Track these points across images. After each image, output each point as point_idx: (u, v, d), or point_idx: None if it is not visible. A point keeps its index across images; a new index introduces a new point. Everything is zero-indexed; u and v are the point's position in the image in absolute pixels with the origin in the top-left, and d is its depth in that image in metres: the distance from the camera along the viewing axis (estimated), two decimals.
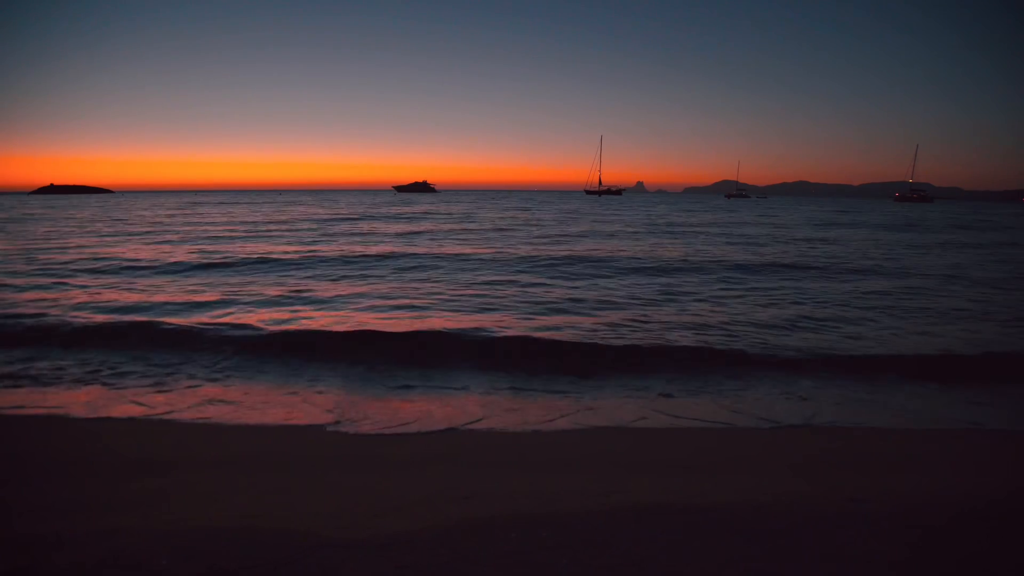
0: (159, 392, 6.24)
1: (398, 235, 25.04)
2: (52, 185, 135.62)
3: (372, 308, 10.23)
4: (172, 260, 16.42)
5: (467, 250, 19.14)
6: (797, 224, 35.89)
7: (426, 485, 3.87)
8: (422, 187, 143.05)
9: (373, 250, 18.88)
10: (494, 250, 19.07)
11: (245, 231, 26.76)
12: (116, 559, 2.72)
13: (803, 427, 5.42)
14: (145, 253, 18.33)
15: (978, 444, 4.99)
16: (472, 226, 30.07)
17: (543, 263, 16.09)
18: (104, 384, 6.49)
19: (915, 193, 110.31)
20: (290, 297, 11.30)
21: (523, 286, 12.54)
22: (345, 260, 16.63)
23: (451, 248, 19.90)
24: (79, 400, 5.99)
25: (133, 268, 15.09)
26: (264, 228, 28.51)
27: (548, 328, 8.69)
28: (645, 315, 9.85)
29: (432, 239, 23.23)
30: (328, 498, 3.64)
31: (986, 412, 5.86)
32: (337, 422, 5.41)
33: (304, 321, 9.13)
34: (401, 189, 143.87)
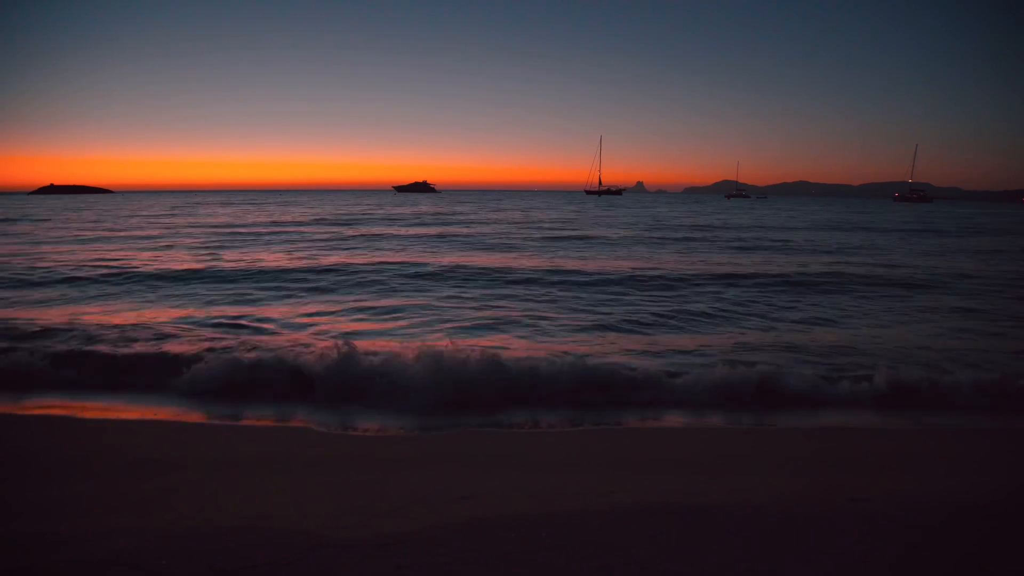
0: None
1: (416, 240, 23.72)
2: (52, 185, 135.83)
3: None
4: (178, 267, 15.84)
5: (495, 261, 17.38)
6: (809, 227, 34.43)
7: (426, 485, 3.86)
8: (422, 187, 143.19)
9: (395, 259, 17.54)
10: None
11: (252, 235, 25.34)
12: (116, 559, 2.72)
13: (803, 427, 5.42)
14: (150, 260, 17.77)
15: (977, 444, 4.99)
16: (486, 230, 28.82)
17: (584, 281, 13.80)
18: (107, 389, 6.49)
19: (915, 193, 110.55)
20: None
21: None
22: (355, 271, 15.14)
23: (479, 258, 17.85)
24: (80, 402, 5.99)
25: (135, 275, 14.88)
26: (272, 233, 26.80)
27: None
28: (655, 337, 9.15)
29: (451, 246, 21.70)
30: (328, 498, 3.64)
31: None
32: (337, 422, 5.41)
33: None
34: (401, 189, 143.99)
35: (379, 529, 3.07)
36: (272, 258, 17.74)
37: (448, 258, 17.86)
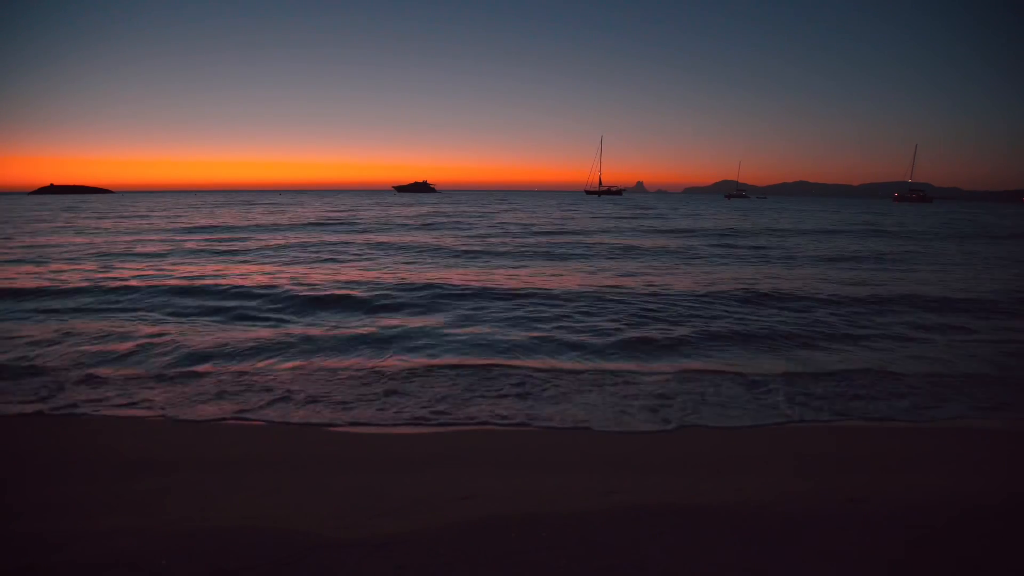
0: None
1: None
2: (52, 185, 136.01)
3: None
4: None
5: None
6: (837, 230, 31.20)
7: (426, 485, 3.87)
8: (422, 187, 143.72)
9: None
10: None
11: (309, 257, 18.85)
12: (116, 559, 2.72)
13: (803, 427, 5.42)
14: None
15: (977, 444, 4.99)
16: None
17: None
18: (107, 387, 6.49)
19: (914, 193, 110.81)
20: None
21: None
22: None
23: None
24: (80, 401, 5.99)
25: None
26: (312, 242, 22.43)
27: None
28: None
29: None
30: (328, 498, 3.65)
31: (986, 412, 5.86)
32: (337, 422, 5.41)
33: None
34: (401, 189, 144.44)
35: (379, 529, 3.07)
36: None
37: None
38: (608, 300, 11.07)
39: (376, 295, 11.43)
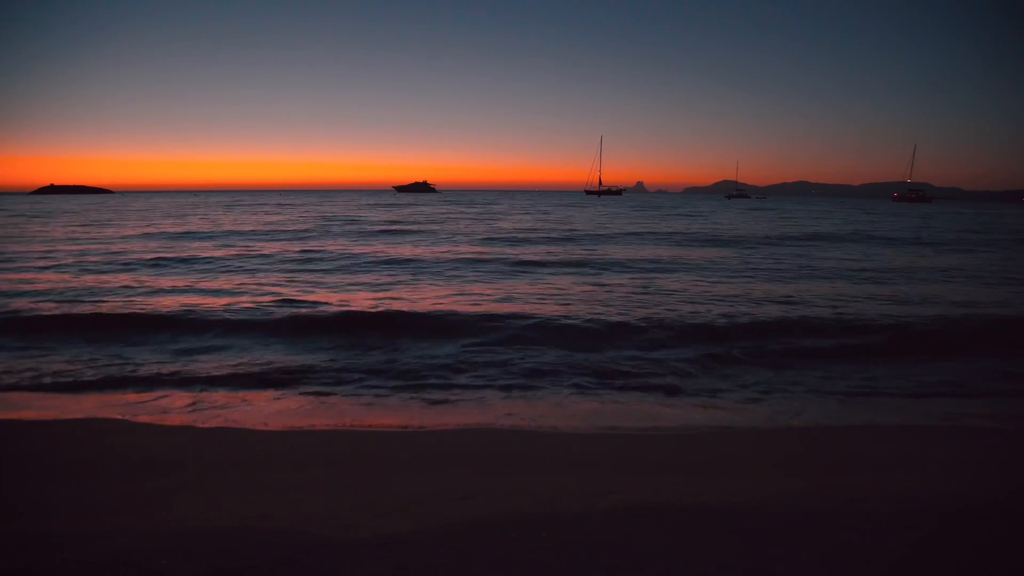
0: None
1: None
2: (52, 185, 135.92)
3: None
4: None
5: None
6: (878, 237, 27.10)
7: (426, 485, 3.86)
8: (422, 187, 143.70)
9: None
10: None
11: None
12: (116, 559, 2.72)
13: (802, 427, 5.42)
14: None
15: (977, 444, 4.99)
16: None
17: None
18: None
19: (913, 193, 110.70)
20: None
21: None
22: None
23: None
24: (81, 401, 5.99)
25: None
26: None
27: None
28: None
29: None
30: (328, 498, 3.64)
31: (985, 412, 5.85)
32: (336, 423, 5.41)
33: None
34: (401, 189, 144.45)
35: (379, 529, 3.07)
36: None
37: None
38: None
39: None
